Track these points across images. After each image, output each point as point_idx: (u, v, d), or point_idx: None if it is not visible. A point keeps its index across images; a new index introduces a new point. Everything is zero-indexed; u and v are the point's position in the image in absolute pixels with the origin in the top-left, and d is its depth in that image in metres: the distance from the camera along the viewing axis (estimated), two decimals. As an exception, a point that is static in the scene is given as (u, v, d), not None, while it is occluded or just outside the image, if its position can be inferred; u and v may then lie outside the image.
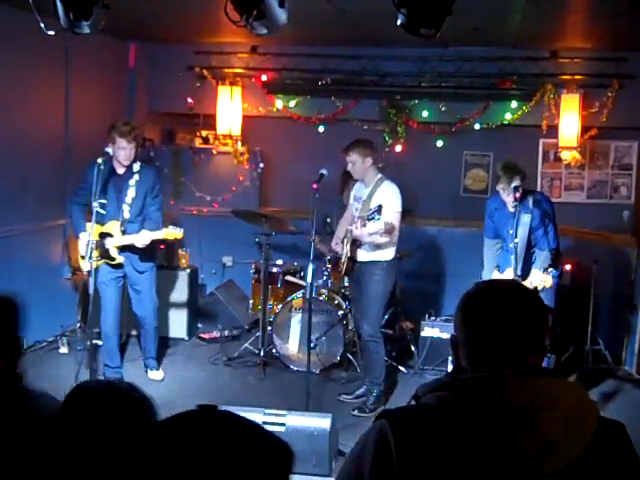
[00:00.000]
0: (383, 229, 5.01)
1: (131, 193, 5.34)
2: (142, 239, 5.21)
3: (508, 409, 1.40)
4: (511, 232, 4.89)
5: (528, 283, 4.70)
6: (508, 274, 4.95)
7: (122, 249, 5.34)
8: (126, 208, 5.32)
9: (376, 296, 5.27)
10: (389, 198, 5.11)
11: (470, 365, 1.55)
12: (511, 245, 4.88)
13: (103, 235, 5.29)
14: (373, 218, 4.83)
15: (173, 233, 5.25)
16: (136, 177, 5.35)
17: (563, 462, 1.40)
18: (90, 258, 4.88)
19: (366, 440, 1.52)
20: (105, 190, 5.20)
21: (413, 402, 1.54)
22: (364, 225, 4.97)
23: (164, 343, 6.44)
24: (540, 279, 4.69)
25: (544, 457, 1.39)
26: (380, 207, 4.80)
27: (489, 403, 1.42)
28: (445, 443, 1.42)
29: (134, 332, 6.69)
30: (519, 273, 4.83)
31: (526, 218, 4.93)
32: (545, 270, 4.75)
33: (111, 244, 5.29)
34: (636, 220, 7.49)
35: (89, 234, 4.96)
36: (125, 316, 6.18)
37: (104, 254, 5.29)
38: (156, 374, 5.83)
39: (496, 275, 5.17)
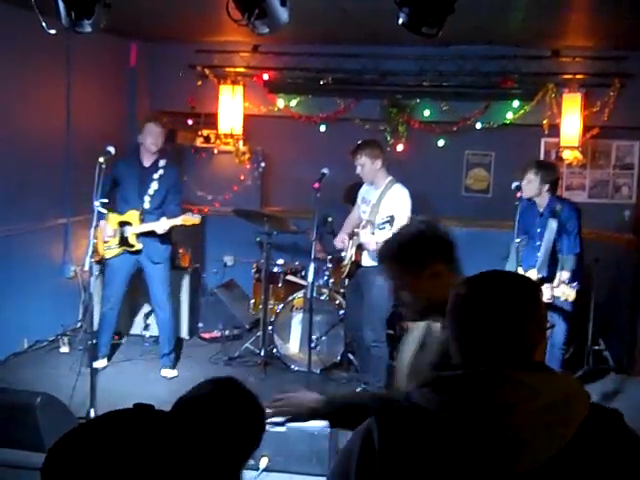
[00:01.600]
0: None
1: (154, 186, 5.64)
2: (162, 225, 5.52)
3: (483, 406, 1.40)
4: (539, 231, 5.12)
5: (548, 289, 4.86)
6: (531, 274, 5.07)
7: (141, 236, 5.63)
8: (147, 199, 5.63)
9: (380, 302, 5.20)
10: (400, 203, 5.06)
11: (460, 362, 1.54)
12: (538, 243, 5.11)
13: (122, 224, 5.63)
14: (384, 229, 4.82)
15: (191, 219, 5.55)
16: (160, 172, 5.66)
17: (540, 458, 1.38)
18: (91, 257, 4.88)
19: (355, 437, 1.54)
20: (129, 181, 5.61)
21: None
22: (373, 233, 4.95)
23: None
24: (563, 292, 4.83)
25: (518, 454, 1.38)
26: (392, 218, 4.78)
27: (466, 401, 1.42)
28: (424, 442, 1.43)
29: (135, 331, 6.71)
30: (541, 275, 5.05)
31: (553, 224, 5.07)
32: (571, 284, 4.89)
33: (130, 232, 5.61)
34: (637, 220, 7.48)
35: (93, 231, 5.00)
36: (125, 315, 6.20)
37: (123, 242, 5.64)
38: (167, 372, 5.88)
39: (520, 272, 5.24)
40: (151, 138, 5.57)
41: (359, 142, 5.29)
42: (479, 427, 1.39)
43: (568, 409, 1.43)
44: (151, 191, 5.63)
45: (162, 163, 5.69)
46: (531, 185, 5.05)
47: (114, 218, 5.65)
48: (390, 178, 5.27)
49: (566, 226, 5.08)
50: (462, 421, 1.41)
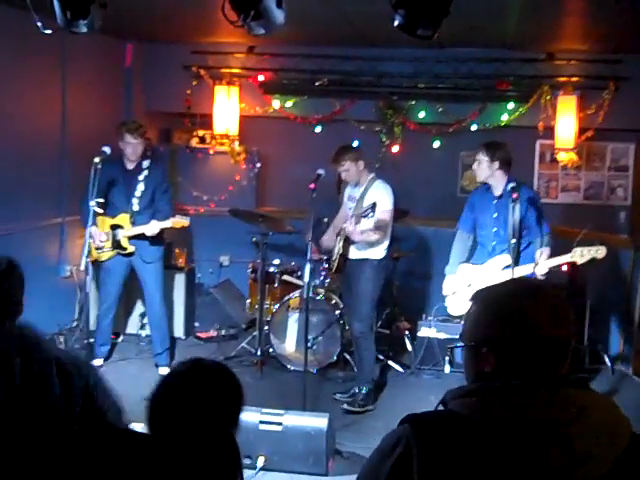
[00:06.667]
0: (374, 226, 5.08)
1: (140, 187, 5.66)
2: (152, 228, 5.54)
3: (537, 422, 1.38)
4: (495, 216, 4.98)
5: (529, 269, 4.78)
6: (504, 260, 4.93)
7: (132, 239, 5.66)
8: (135, 201, 5.65)
9: (366, 294, 5.29)
10: (381, 196, 5.17)
11: (498, 372, 1.49)
12: (493, 230, 4.98)
13: (114, 227, 5.65)
14: (367, 215, 4.94)
15: (180, 222, 5.59)
16: (145, 173, 5.67)
17: (593, 475, 1.37)
18: (87, 257, 4.90)
19: (388, 445, 1.47)
20: (115, 185, 5.59)
21: (441, 407, 1.49)
22: (358, 222, 5.06)
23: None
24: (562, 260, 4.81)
25: (572, 472, 1.36)
26: (374, 205, 4.89)
27: (517, 415, 1.39)
28: (469, 456, 1.38)
29: (131, 331, 6.71)
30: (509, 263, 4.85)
31: (515, 204, 4.76)
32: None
33: (122, 235, 5.64)
34: (632, 221, 7.52)
35: (88, 232, 5.04)
36: (121, 314, 6.20)
37: (116, 244, 5.66)
38: (165, 370, 5.88)
39: (466, 268, 5.18)
40: (130, 149, 5.57)
41: (336, 151, 5.32)
42: (534, 442, 1.36)
43: (617, 430, 1.43)
44: (138, 193, 5.65)
45: (146, 164, 5.70)
46: (482, 166, 4.94)
47: (105, 221, 5.66)
48: (372, 175, 5.37)
49: (528, 204, 4.89)
50: (516, 435, 1.37)
